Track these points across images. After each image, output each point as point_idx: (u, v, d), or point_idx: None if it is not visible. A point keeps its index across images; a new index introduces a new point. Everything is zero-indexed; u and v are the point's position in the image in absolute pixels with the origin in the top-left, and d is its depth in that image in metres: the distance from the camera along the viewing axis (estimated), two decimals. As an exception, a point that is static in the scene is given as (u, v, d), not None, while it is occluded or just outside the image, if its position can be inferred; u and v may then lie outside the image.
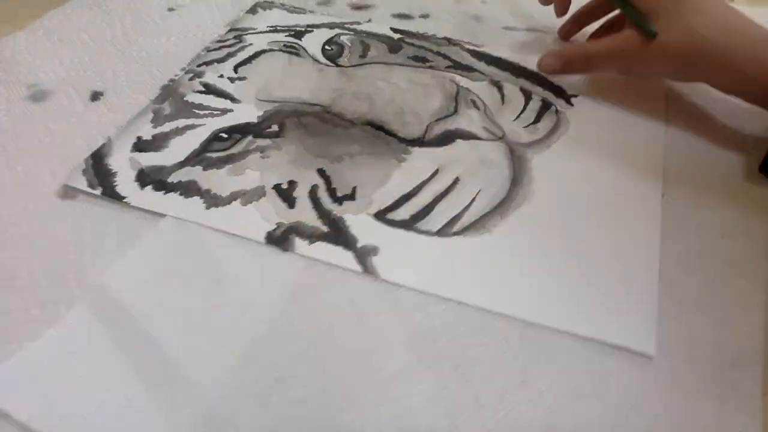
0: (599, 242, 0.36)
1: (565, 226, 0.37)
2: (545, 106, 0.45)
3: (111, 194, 0.38)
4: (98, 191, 0.38)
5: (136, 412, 0.28)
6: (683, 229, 0.36)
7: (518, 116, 0.44)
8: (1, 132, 0.42)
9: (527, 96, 0.45)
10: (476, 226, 0.36)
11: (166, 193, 0.38)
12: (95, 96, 0.45)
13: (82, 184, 0.38)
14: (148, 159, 0.40)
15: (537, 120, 0.43)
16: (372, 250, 0.35)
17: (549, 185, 0.39)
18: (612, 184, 0.39)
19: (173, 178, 0.39)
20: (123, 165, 0.39)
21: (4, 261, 0.34)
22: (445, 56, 0.49)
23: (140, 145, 0.41)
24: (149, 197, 0.38)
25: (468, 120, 0.43)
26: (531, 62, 0.48)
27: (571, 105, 0.45)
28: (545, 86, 0.46)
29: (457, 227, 0.36)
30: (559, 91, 0.46)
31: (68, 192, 0.38)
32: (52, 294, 0.33)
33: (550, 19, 0.51)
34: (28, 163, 0.40)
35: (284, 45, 0.50)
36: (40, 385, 0.29)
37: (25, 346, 0.30)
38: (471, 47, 0.50)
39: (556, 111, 0.44)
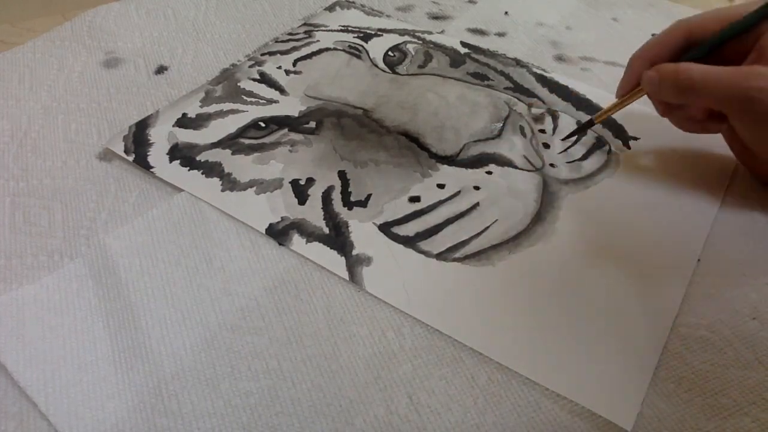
0: (608, 300, 0.33)
1: (576, 275, 0.34)
2: (598, 144, 0.42)
3: (141, 162, 0.40)
4: (131, 158, 0.40)
5: (95, 368, 0.30)
6: (709, 301, 0.33)
7: (565, 150, 0.41)
8: (69, 91, 0.46)
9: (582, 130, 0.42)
10: (480, 256, 0.35)
11: (190, 169, 0.39)
12: (160, 70, 0.48)
13: (119, 148, 0.40)
14: (185, 135, 0.42)
15: (584, 157, 0.41)
16: (365, 260, 0.34)
17: (574, 228, 0.36)
18: (644, 239, 0.36)
19: (201, 157, 0.40)
20: (161, 137, 0.41)
21: (31, 208, 0.37)
22: (507, 77, 0.47)
23: (183, 121, 0.43)
24: (174, 171, 0.39)
25: (509, 146, 0.41)
26: (597, 95, 0.45)
27: (628, 148, 0.42)
28: (605, 123, 0.43)
29: (459, 253, 0.35)
30: (620, 131, 0.43)
31: (107, 155, 0.40)
32: (61, 246, 0.35)
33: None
34: (81, 122, 0.43)
35: (348, 45, 0.50)
36: (19, 325, 0.31)
37: (22, 287, 0.33)
38: (538, 71, 0.48)
39: (609, 151, 0.41)
